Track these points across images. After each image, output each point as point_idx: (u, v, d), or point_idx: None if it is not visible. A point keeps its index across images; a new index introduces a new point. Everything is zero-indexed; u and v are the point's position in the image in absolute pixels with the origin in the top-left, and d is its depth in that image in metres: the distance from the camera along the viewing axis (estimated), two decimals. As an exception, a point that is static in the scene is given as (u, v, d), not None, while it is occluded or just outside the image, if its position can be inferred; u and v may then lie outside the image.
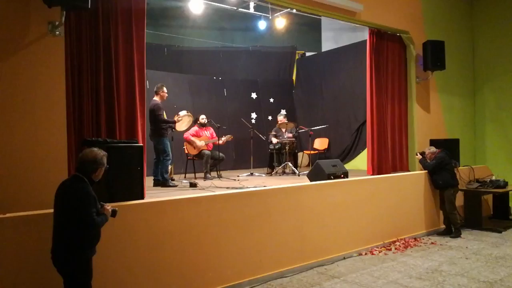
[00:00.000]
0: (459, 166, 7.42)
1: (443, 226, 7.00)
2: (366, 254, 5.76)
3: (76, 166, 3.06)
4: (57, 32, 3.94)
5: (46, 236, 3.17)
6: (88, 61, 4.35)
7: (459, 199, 7.11)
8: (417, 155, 7.13)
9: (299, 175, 7.55)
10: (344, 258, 5.53)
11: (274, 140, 8.35)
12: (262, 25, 8.95)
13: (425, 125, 7.68)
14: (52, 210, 3.01)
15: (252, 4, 7.80)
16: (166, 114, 6.56)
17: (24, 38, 3.82)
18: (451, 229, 6.76)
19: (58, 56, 3.99)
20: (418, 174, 6.96)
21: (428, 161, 6.85)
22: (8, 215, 3.27)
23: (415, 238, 6.52)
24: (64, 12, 3.87)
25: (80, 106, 4.29)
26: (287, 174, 7.92)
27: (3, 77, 3.70)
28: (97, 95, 4.43)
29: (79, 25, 4.29)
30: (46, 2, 3.76)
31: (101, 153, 3.06)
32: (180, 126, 6.94)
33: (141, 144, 4.23)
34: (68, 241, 2.88)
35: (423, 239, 6.57)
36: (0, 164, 3.66)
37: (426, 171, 6.94)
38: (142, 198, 4.07)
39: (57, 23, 3.91)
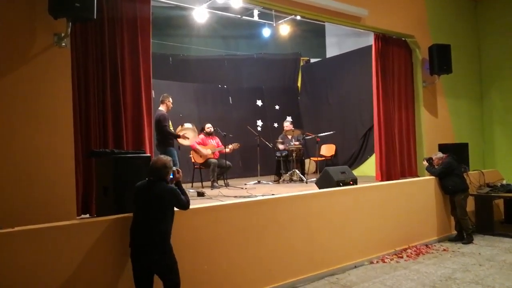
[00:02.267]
0: (468, 171, 7.33)
1: (454, 232, 6.88)
2: (377, 262, 5.66)
3: (151, 174, 3.52)
4: (63, 44, 3.93)
5: (60, 249, 3.13)
6: (94, 72, 4.35)
7: (470, 204, 7.00)
8: (424, 161, 7.06)
9: (306, 182, 7.48)
10: (356, 267, 5.43)
11: (281, 146, 8.28)
12: (266, 32, 8.95)
13: (433, 129, 7.61)
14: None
15: (256, 12, 7.80)
16: (172, 124, 6.53)
17: (30, 50, 3.81)
18: (463, 235, 6.65)
19: (64, 67, 3.98)
20: (427, 180, 6.86)
21: (436, 167, 6.77)
22: (16, 228, 3.22)
23: (426, 245, 6.40)
24: (70, 23, 3.85)
25: (86, 116, 4.28)
26: (295, 181, 7.84)
27: (9, 89, 3.68)
28: (104, 105, 4.42)
29: (85, 36, 4.29)
30: (52, 14, 3.75)
31: (168, 159, 3.59)
32: (183, 142, 6.82)
33: (149, 155, 4.19)
34: (165, 234, 3.42)
35: (435, 245, 6.45)
36: (6, 176, 3.63)
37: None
38: (151, 209, 4.01)
39: (62, 34, 3.90)
